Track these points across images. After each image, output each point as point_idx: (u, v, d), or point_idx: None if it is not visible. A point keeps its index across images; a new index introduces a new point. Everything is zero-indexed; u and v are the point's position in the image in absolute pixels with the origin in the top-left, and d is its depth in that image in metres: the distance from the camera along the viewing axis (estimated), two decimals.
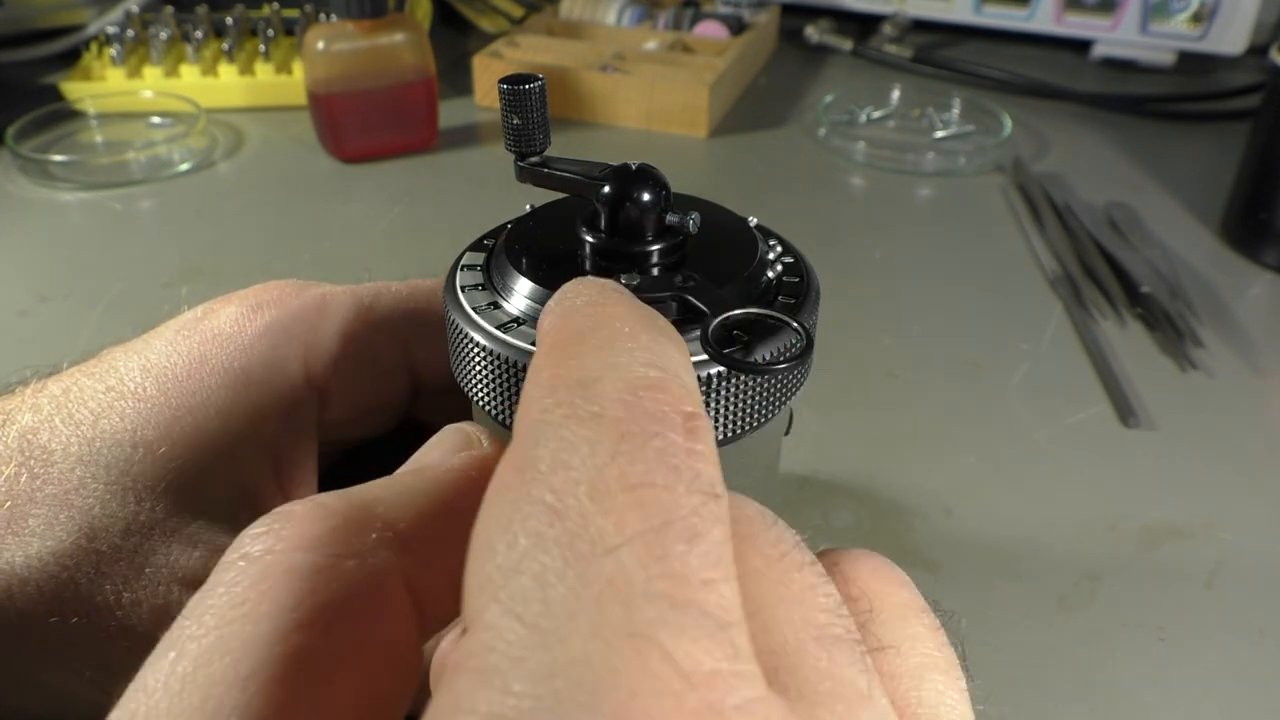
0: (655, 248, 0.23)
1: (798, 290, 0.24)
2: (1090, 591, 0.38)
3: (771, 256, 0.25)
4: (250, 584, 0.15)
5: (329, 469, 0.32)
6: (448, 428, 0.21)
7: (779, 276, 0.24)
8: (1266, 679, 0.35)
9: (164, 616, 0.26)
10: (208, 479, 0.27)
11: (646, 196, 0.23)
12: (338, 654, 0.15)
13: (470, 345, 0.23)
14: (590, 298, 0.17)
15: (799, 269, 0.25)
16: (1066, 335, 0.53)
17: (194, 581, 0.26)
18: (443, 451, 0.20)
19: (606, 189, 0.23)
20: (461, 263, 0.25)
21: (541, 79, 0.23)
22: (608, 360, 0.15)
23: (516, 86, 0.23)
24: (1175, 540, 0.40)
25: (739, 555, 0.15)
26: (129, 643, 0.25)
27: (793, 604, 0.15)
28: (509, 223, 0.26)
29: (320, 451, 0.32)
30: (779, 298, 0.23)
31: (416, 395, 0.33)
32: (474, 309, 0.23)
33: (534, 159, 0.25)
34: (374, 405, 0.32)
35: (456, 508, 0.18)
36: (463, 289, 0.24)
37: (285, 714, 0.14)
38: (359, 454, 0.34)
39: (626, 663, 0.11)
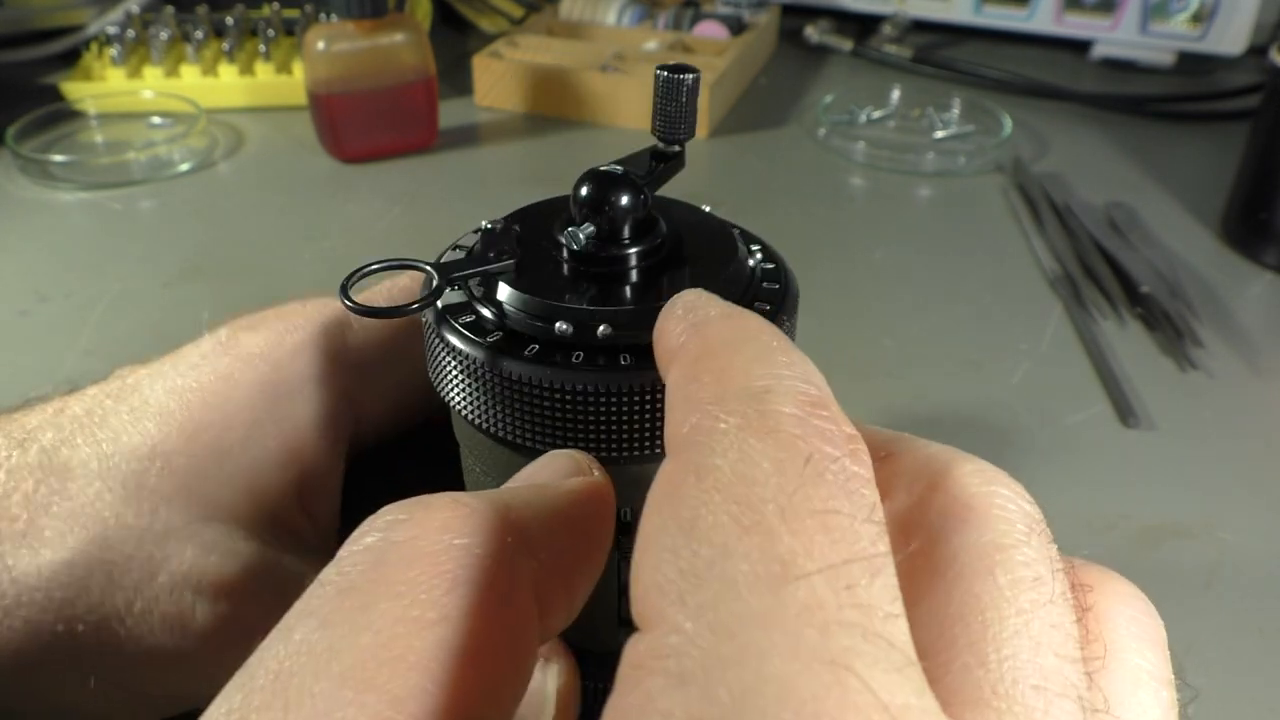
0: (633, 250, 0.23)
1: (775, 296, 0.24)
2: None
3: (752, 262, 0.25)
4: (392, 566, 0.15)
5: (351, 472, 0.32)
6: (555, 453, 0.21)
7: (758, 281, 0.24)
8: (1266, 679, 0.35)
9: (175, 623, 0.26)
10: (226, 488, 0.27)
11: (624, 200, 0.23)
12: (474, 642, 0.15)
13: (445, 351, 0.23)
14: (721, 311, 0.17)
15: (778, 275, 0.25)
16: (1066, 335, 0.53)
17: (209, 587, 0.26)
18: (553, 474, 0.20)
19: (583, 192, 0.23)
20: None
21: (697, 73, 0.24)
22: (770, 372, 0.15)
23: (672, 75, 0.24)
24: (1175, 540, 0.40)
25: (985, 567, 0.15)
26: (135, 652, 0.26)
27: (1026, 640, 0.14)
28: (485, 224, 0.26)
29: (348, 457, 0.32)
30: (754, 302, 0.23)
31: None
32: (450, 314, 0.23)
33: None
34: (408, 405, 0.32)
35: (575, 525, 0.18)
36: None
37: (424, 697, 0.14)
38: (367, 459, 0.34)
39: (827, 689, 0.11)
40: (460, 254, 0.25)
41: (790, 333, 0.24)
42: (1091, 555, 0.41)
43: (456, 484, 0.27)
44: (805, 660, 0.12)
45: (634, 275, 0.23)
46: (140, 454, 0.26)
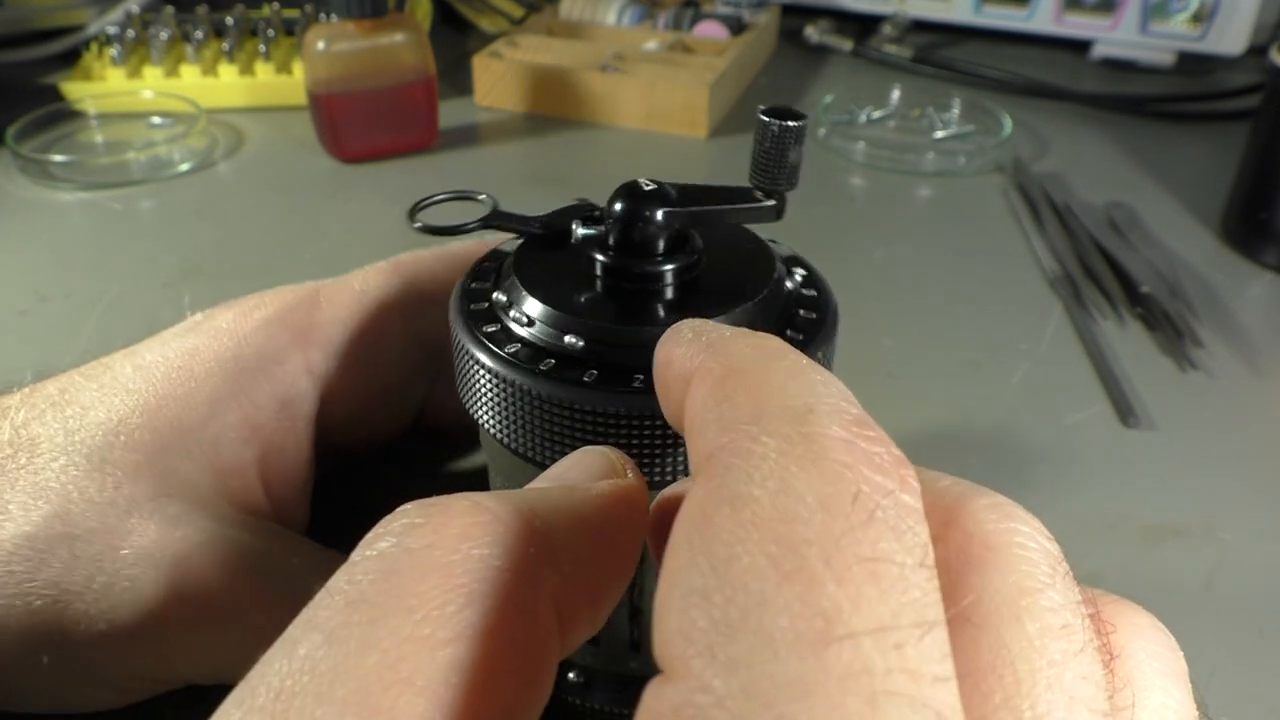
0: (668, 266, 0.23)
1: (810, 326, 0.23)
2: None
3: (790, 285, 0.24)
4: (406, 576, 0.14)
5: (339, 470, 0.32)
6: (587, 449, 0.20)
7: (793, 306, 0.24)
8: (1266, 679, 0.35)
9: (136, 600, 0.26)
10: (189, 463, 0.27)
11: (656, 217, 0.22)
12: (490, 660, 0.14)
13: (477, 369, 0.22)
14: (736, 332, 0.16)
15: (818, 302, 0.24)
16: (1066, 335, 0.53)
17: (172, 564, 0.26)
18: (584, 473, 0.19)
19: (617, 206, 0.23)
20: (469, 283, 0.25)
21: (801, 121, 0.22)
22: (809, 390, 0.14)
23: (768, 121, 0.22)
24: (1175, 540, 0.40)
25: (1012, 614, 0.14)
26: (93, 630, 0.25)
27: (1060, 694, 0.14)
28: (578, 200, 0.25)
29: (335, 445, 0.32)
30: (787, 330, 0.23)
31: (436, 376, 0.33)
32: (481, 331, 0.23)
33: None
34: (387, 389, 0.32)
35: (604, 533, 0.17)
36: (470, 311, 0.24)
37: (439, 716, 0.13)
38: (368, 458, 0.34)
39: None
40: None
41: (825, 363, 0.23)
42: (1091, 555, 0.41)
43: (475, 483, 0.27)
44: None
45: (665, 293, 0.23)
46: (105, 428, 0.26)
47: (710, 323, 0.18)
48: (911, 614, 0.12)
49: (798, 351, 0.16)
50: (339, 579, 0.15)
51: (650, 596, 0.24)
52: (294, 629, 0.14)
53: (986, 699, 0.14)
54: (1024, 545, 0.15)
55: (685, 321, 0.18)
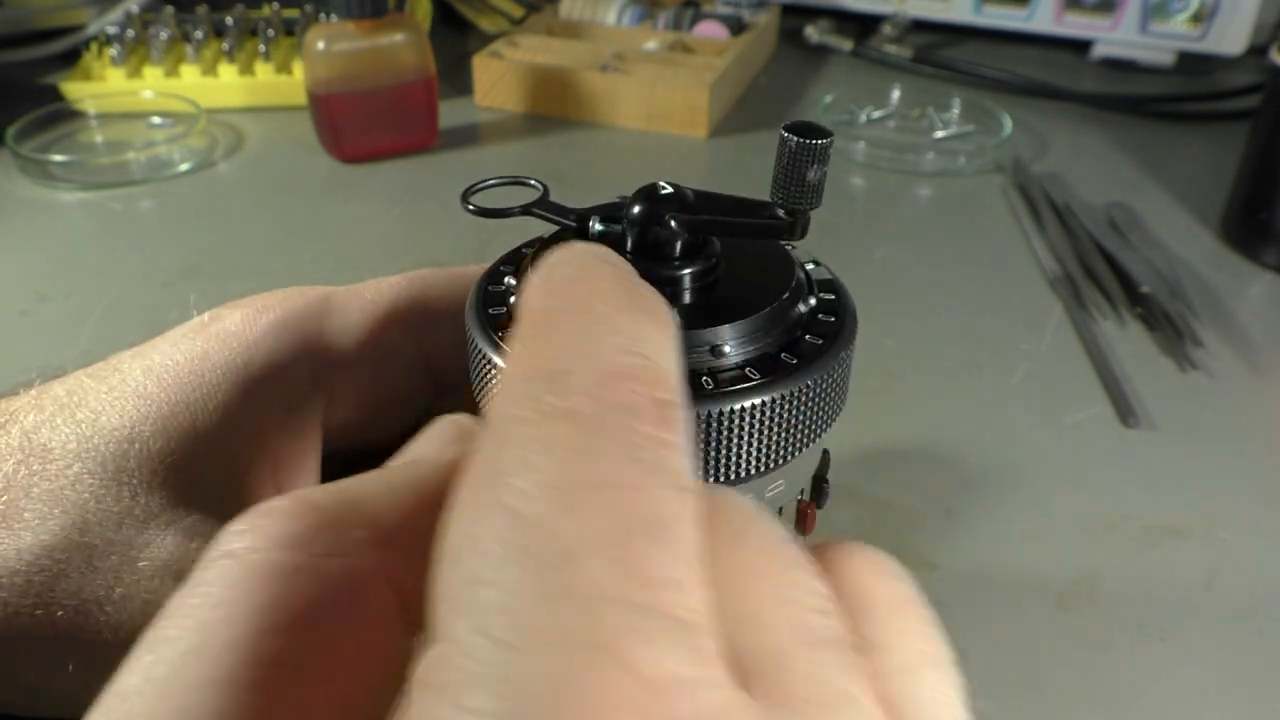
0: (685, 271, 0.23)
1: (829, 330, 0.23)
2: (1090, 591, 0.38)
3: (809, 291, 0.24)
4: (229, 585, 0.15)
5: (342, 468, 0.32)
6: (441, 418, 0.20)
7: (811, 311, 0.23)
8: (1266, 679, 0.35)
9: (155, 609, 0.26)
10: (204, 473, 0.27)
11: (655, 215, 0.22)
12: (317, 656, 0.14)
13: (493, 372, 0.22)
14: (570, 273, 0.17)
15: (835, 307, 0.24)
16: (1066, 335, 0.53)
17: (188, 574, 0.26)
18: (437, 444, 0.20)
19: (635, 209, 0.23)
20: (486, 283, 0.25)
21: (822, 140, 0.21)
22: (581, 349, 0.15)
23: (804, 140, 0.21)
24: (1175, 540, 0.40)
25: (725, 552, 0.15)
26: (114, 637, 0.25)
27: (781, 604, 0.15)
28: (535, 241, 0.25)
29: (334, 453, 0.32)
30: (806, 335, 0.23)
31: (441, 390, 0.33)
32: (498, 334, 0.23)
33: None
34: (390, 401, 0.32)
35: (443, 502, 0.17)
36: (487, 311, 0.24)
37: (262, 718, 0.14)
38: (373, 455, 0.34)
39: (587, 674, 0.11)
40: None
41: (847, 364, 0.23)
42: (1091, 555, 0.41)
43: None
44: (569, 649, 0.11)
45: (680, 297, 0.23)
46: (119, 436, 0.26)
47: (568, 254, 0.17)
48: (645, 528, 0.12)
49: (610, 294, 0.16)
50: (172, 601, 0.15)
51: None
52: (138, 647, 0.15)
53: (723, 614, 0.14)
54: (752, 512, 0.16)
55: (554, 252, 0.17)
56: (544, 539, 0.12)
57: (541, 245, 0.25)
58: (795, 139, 0.21)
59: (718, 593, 0.14)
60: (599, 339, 0.15)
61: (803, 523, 0.24)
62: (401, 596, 0.16)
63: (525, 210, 0.24)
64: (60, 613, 0.25)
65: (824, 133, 0.21)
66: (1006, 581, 0.38)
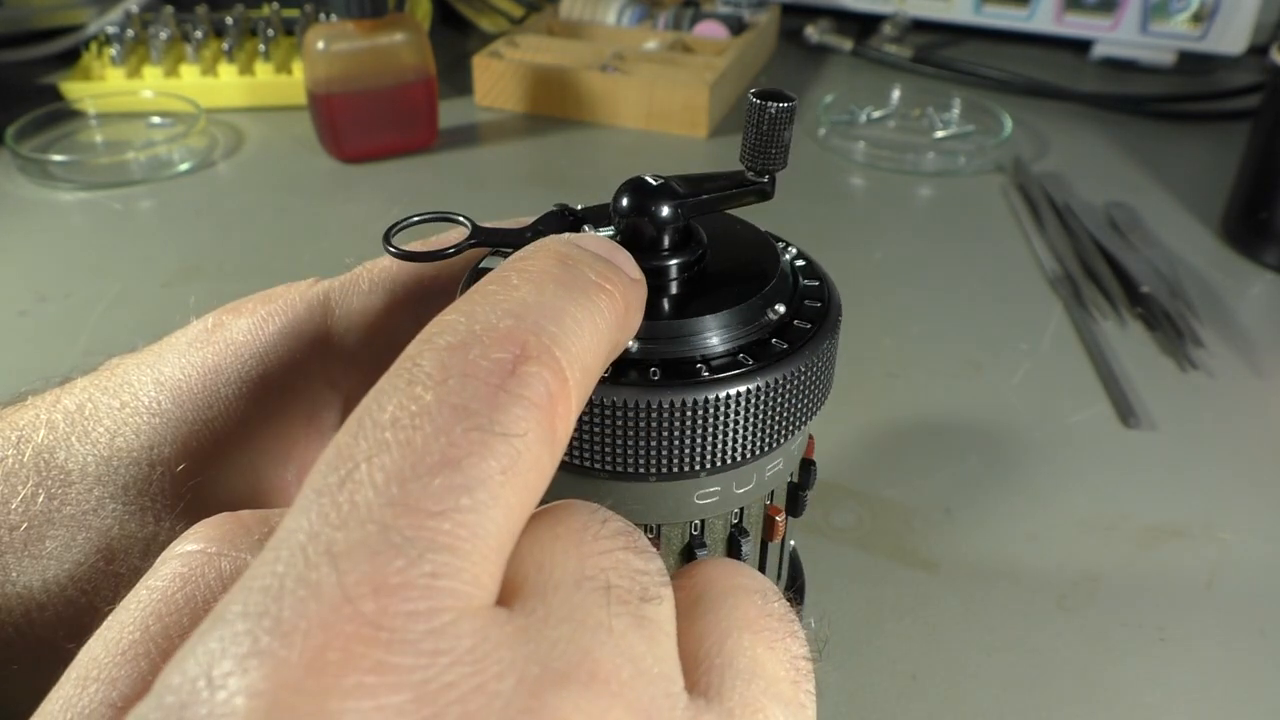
0: (673, 262, 0.23)
1: (816, 315, 0.23)
2: (1090, 591, 0.38)
3: (792, 276, 0.24)
4: (164, 577, 0.18)
5: None
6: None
7: (799, 297, 0.24)
8: (1266, 679, 0.35)
9: None
10: (228, 493, 0.26)
11: (665, 211, 0.23)
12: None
13: None
14: (523, 257, 0.18)
15: (821, 292, 0.24)
16: (1066, 335, 0.53)
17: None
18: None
19: (623, 202, 0.23)
20: (475, 273, 0.25)
21: (793, 101, 0.22)
22: (465, 313, 0.16)
23: (763, 103, 0.22)
24: (1175, 540, 0.40)
25: (549, 533, 0.16)
26: None
27: (573, 556, 0.16)
28: (556, 206, 0.25)
29: None
30: (794, 320, 0.23)
31: None
32: None
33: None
34: None
35: None
36: None
37: (139, 684, 0.16)
38: None
39: (313, 579, 0.13)
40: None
41: (833, 350, 0.23)
42: (1091, 555, 0.41)
43: None
44: (308, 559, 0.13)
45: (668, 288, 0.23)
46: (139, 459, 0.25)
47: (536, 247, 0.19)
48: (429, 461, 0.14)
49: (535, 271, 0.18)
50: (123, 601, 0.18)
51: None
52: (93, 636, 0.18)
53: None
54: (581, 507, 0.18)
55: (530, 245, 0.19)
56: (348, 472, 0.14)
57: (535, 223, 0.25)
58: (775, 104, 0.22)
59: (526, 550, 0.16)
60: (488, 306, 0.16)
61: (771, 530, 0.24)
62: None
63: (469, 245, 0.24)
64: None
65: (790, 95, 0.22)
66: (1006, 581, 0.38)
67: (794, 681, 0.18)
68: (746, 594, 0.19)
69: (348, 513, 0.14)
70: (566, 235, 0.20)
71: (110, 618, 0.17)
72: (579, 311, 0.17)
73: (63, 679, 0.17)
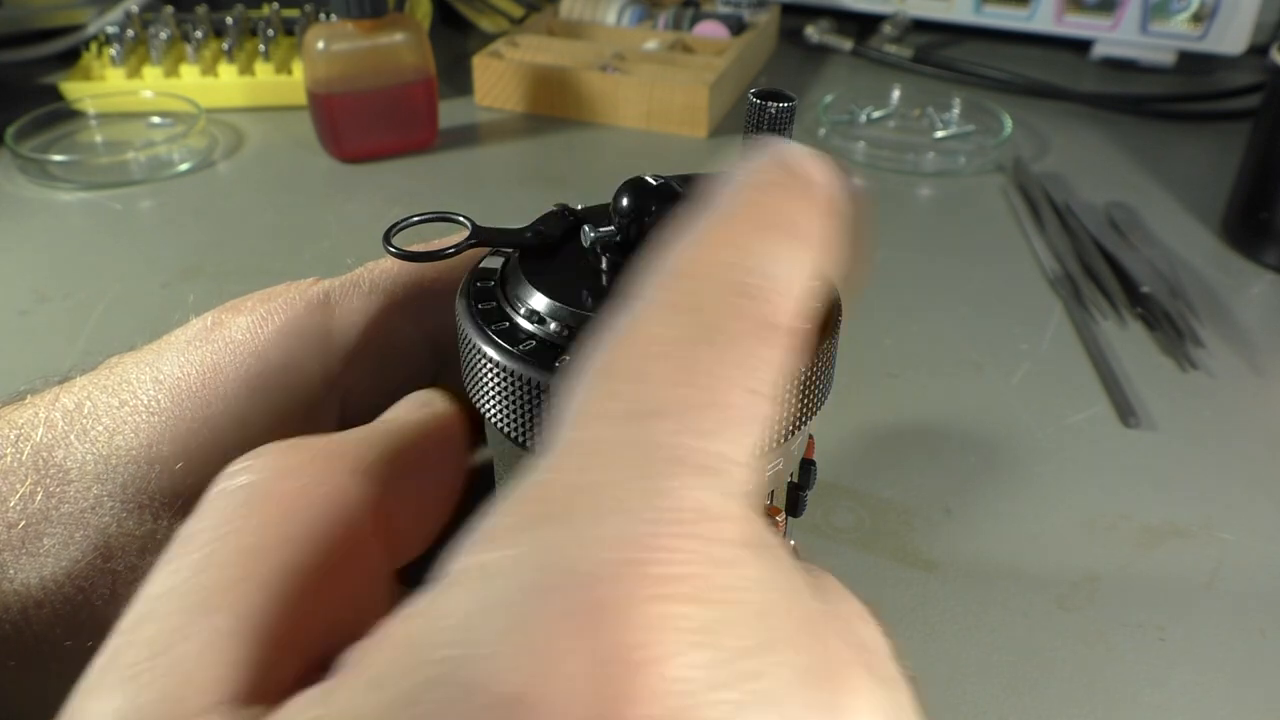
0: None
1: (814, 314, 0.23)
2: (1090, 591, 0.38)
3: None
4: (233, 509, 0.17)
5: None
6: (411, 395, 0.23)
7: None
8: (1266, 679, 0.35)
9: None
10: None
11: (665, 211, 0.23)
12: (311, 563, 0.17)
13: (483, 361, 0.22)
14: (755, 180, 0.19)
15: (820, 293, 0.24)
16: (1066, 335, 0.53)
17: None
18: (405, 409, 0.22)
19: (623, 202, 0.23)
20: (476, 273, 0.25)
21: (793, 101, 0.23)
22: (726, 260, 0.17)
23: (763, 103, 0.23)
24: (1175, 540, 0.40)
25: None
26: None
27: None
28: (555, 206, 0.25)
29: None
30: None
31: (444, 364, 0.33)
32: (488, 322, 0.23)
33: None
34: (399, 384, 0.32)
35: (417, 452, 0.20)
36: (477, 301, 0.24)
37: (273, 613, 0.16)
38: None
39: (648, 493, 0.14)
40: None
41: (833, 350, 0.23)
42: (1091, 555, 0.41)
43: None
44: (626, 471, 0.14)
45: None
46: (138, 456, 0.26)
47: (767, 159, 0.20)
48: (714, 413, 0.15)
49: (770, 217, 0.18)
50: (182, 530, 0.18)
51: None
52: (157, 566, 0.17)
53: None
54: None
55: (765, 151, 0.20)
56: (643, 395, 0.15)
57: (536, 223, 0.25)
58: (775, 104, 0.23)
59: None
60: (743, 255, 0.17)
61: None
62: (384, 526, 0.18)
63: (469, 245, 0.24)
64: (90, 643, 0.24)
65: (790, 95, 0.23)
66: (1006, 581, 0.38)
67: None
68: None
69: (656, 444, 0.15)
70: (794, 157, 0.20)
71: (170, 550, 0.17)
72: (799, 263, 0.18)
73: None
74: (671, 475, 0.14)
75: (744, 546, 0.15)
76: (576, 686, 0.12)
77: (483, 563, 0.14)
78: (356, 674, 0.14)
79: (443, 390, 0.23)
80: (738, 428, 0.15)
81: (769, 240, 0.18)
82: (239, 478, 0.18)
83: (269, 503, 0.17)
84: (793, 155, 0.20)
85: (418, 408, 0.22)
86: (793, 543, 0.28)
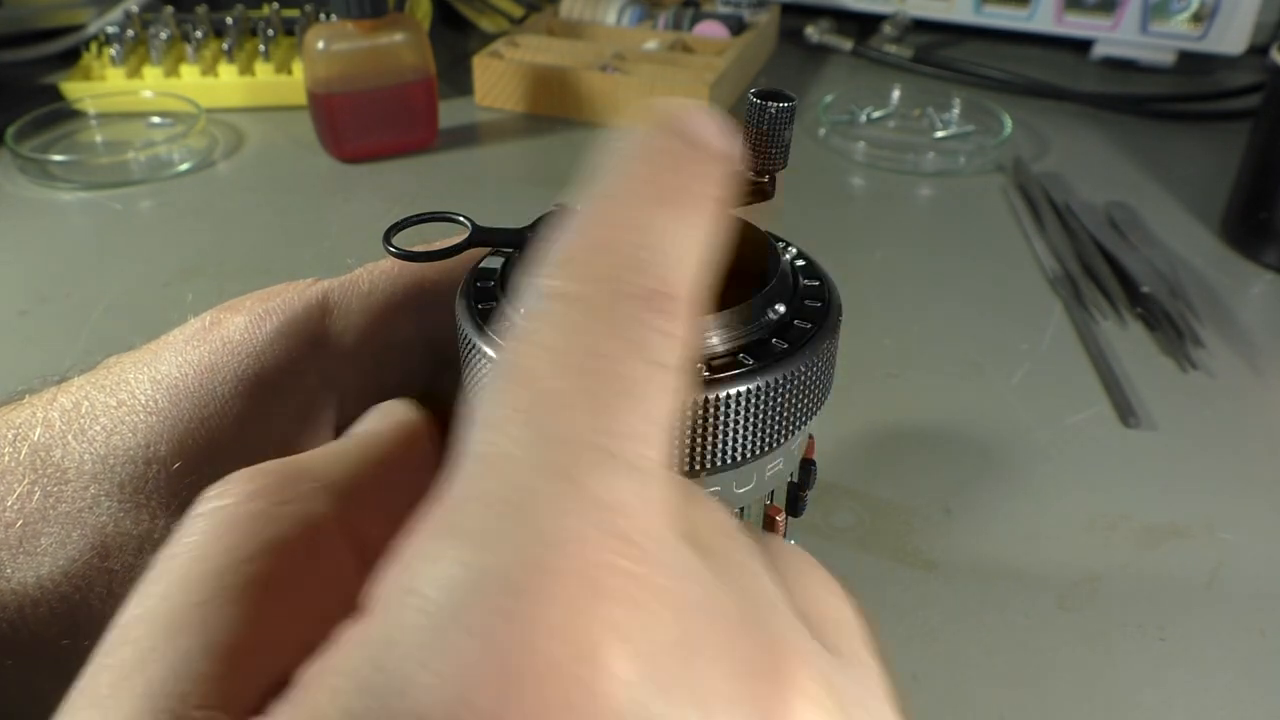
0: None
1: (817, 315, 0.23)
2: (1090, 591, 0.38)
3: (793, 274, 0.24)
4: (203, 532, 0.17)
5: None
6: (380, 405, 0.23)
7: (800, 297, 0.24)
8: (1266, 679, 0.35)
9: None
10: None
11: None
12: (282, 581, 0.17)
13: (483, 361, 0.22)
14: (641, 150, 0.18)
15: (821, 292, 0.24)
16: (1066, 335, 0.53)
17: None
18: (371, 421, 0.23)
19: None
20: (476, 273, 0.25)
21: (793, 101, 0.23)
22: (607, 239, 0.17)
23: (763, 103, 0.23)
24: (1175, 540, 0.40)
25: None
26: None
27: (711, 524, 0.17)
28: (529, 227, 0.25)
29: None
30: (795, 320, 0.23)
31: (440, 367, 0.32)
32: (488, 322, 0.23)
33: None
34: (396, 386, 0.32)
35: (387, 464, 0.21)
36: (477, 301, 0.24)
37: (239, 629, 0.16)
38: None
39: (561, 494, 0.14)
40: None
41: (833, 350, 0.23)
42: (1091, 555, 0.41)
43: None
44: (548, 474, 0.14)
45: None
46: (135, 456, 0.26)
47: (657, 118, 0.19)
48: (622, 391, 0.15)
49: (658, 182, 0.18)
50: (160, 554, 0.18)
51: None
52: (133, 593, 0.17)
53: None
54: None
55: (654, 110, 0.19)
56: (539, 395, 0.15)
57: (536, 223, 0.25)
58: (775, 104, 0.23)
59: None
60: (628, 230, 0.17)
61: (771, 530, 0.24)
62: (354, 540, 0.19)
63: (468, 245, 0.24)
64: (87, 642, 0.24)
65: (790, 95, 0.23)
66: (1006, 581, 0.38)
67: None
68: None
69: (564, 439, 0.14)
70: (689, 116, 0.19)
71: (146, 577, 0.17)
72: (691, 235, 0.18)
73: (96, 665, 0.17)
74: (581, 471, 0.14)
75: (664, 537, 0.14)
76: (495, 706, 0.12)
77: (404, 584, 0.14)
78: (293, 703, 0.14)
79: (409, 401, 0.23)
80: (643, 404, 0.15)
81: (657, 213, 0.18)
82: (211, 502, 0.18)
83: (236, 524, 0.17)
84: (679, 116, 0.19)
85: (382, 418, 0.23)
86: (792, 543, 0.28)
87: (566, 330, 0.16)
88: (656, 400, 0.15)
